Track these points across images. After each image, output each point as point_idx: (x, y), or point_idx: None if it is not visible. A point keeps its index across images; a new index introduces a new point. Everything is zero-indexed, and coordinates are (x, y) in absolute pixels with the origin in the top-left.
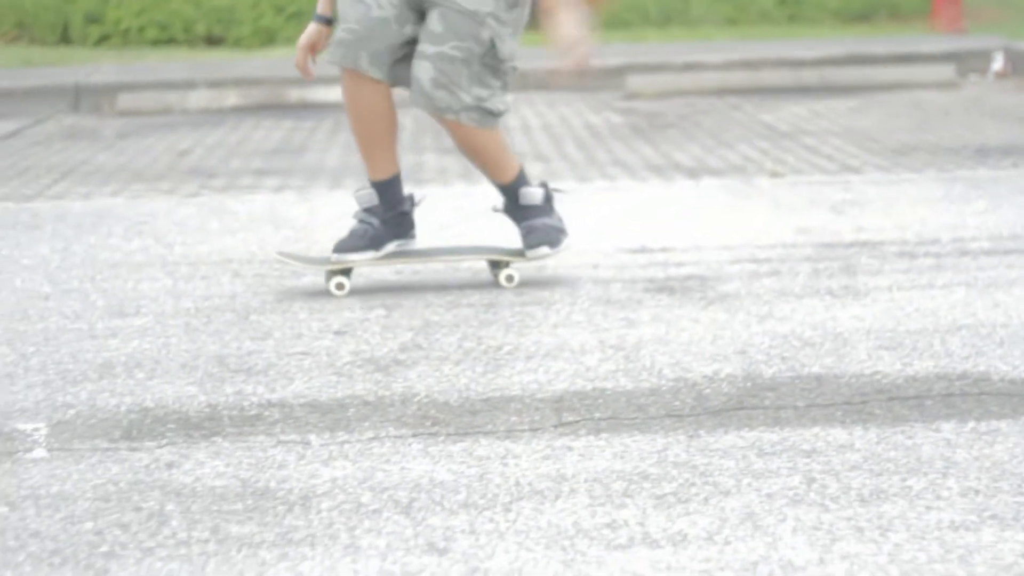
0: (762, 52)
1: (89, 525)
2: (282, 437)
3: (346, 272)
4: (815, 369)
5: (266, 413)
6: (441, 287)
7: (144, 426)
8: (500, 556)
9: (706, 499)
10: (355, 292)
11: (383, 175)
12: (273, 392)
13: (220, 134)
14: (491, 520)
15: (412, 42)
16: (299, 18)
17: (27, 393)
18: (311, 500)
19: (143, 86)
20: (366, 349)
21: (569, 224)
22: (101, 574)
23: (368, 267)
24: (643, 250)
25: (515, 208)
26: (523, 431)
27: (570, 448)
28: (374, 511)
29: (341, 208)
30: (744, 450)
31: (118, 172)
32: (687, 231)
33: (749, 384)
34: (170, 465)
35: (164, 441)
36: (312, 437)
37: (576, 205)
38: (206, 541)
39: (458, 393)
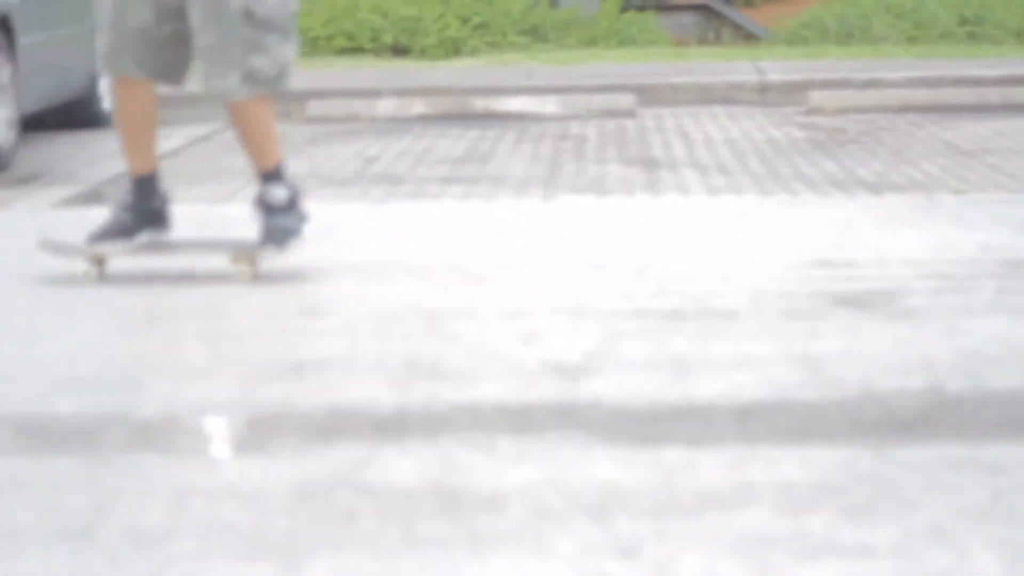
0: (943, 70)
1: (283, 521)
2: (470, 439)
3: (99, 261)
4: (1001, 386)
5: (455, 415)
6: (627, 296)
7: (336, 425)
8: (688, 562)
9: (893, 511)
10: (541, 299)
11: (140, 170)
12: (461, 394)
13: (407, 142)
14: (679, 526)
15: (179, 34)
16: (484, 29)
17: (222, 391)
18: (500, 502)
19: (332, 93)
20: (553, 354)
21: (755, 236)
22: (296, 569)
23: (123, 256)
24: (827, 263)
25: (260, 203)
26: (708, 439)
27: (755, 457)
28: (562, 514)
29: (528, 215)
30: (930, 464)
31: (308, 177)
32: (870, 245)
33: (935, 399)
34: (362, 464)
35: (355, 440)
36: (500, 439)
37: (759, 218)
38: (397, 539)
39: (644, 400)
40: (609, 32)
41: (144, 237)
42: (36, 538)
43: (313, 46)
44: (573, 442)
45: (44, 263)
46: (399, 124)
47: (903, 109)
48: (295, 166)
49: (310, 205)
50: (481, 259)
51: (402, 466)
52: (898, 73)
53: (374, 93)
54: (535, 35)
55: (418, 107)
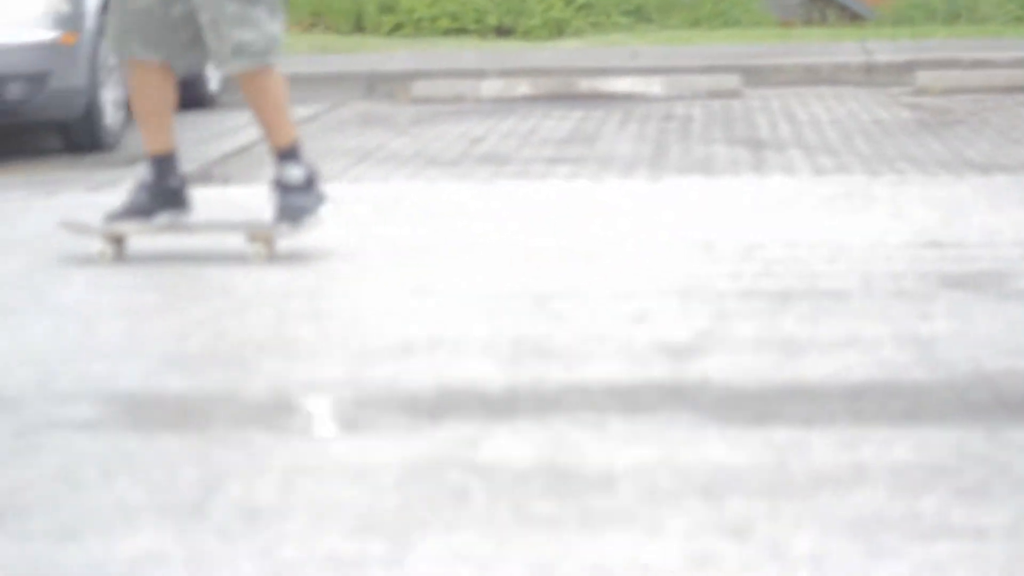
0: None
1: (394, 498)
2: (580, 418)
3: (117, 241)
4: None
5: (564, 394)
6: (735, 276)
7: (445, 404)
8: (802, 542)
9: (1007, 494)
10: (649, 279)
11: (156, 150)
12: (571, 374)
13: (512, 122)
14: (791, 506)
15: (190, 15)
16: (588, 10)
17: (332, 369)
18: (611, 481)
19: (436, 74)
20: (662, 335)
21: (863, 216)
22: (406, 545)
23: (141, 236)
24: (936, 244)
25: (276, 183)
26: (819, 420)
27: (867, 439)
28: (674, 494)
29: (635, 196)
30: None
31: (414, 157)
32: (979, 226)
33: None
34: (472, 443)
35: (465, 419)
36: (610, 419)
37: (866, 198)
38: (509, 518)
39: (754, 381)
40: (713, 13)
41: (164, 218)
42: (148, 515)
43: (417, 27)
44: (683, 422)
45: (156, 243)
46: (504, 105)
47: (1011, 89)
48: (401, 146)
49: (417, 185)
50: (588, 239)
51: (512, 445)
52: (1006, 53)
53: (479, 74)
54: (639, 15)
55: (523, 88)
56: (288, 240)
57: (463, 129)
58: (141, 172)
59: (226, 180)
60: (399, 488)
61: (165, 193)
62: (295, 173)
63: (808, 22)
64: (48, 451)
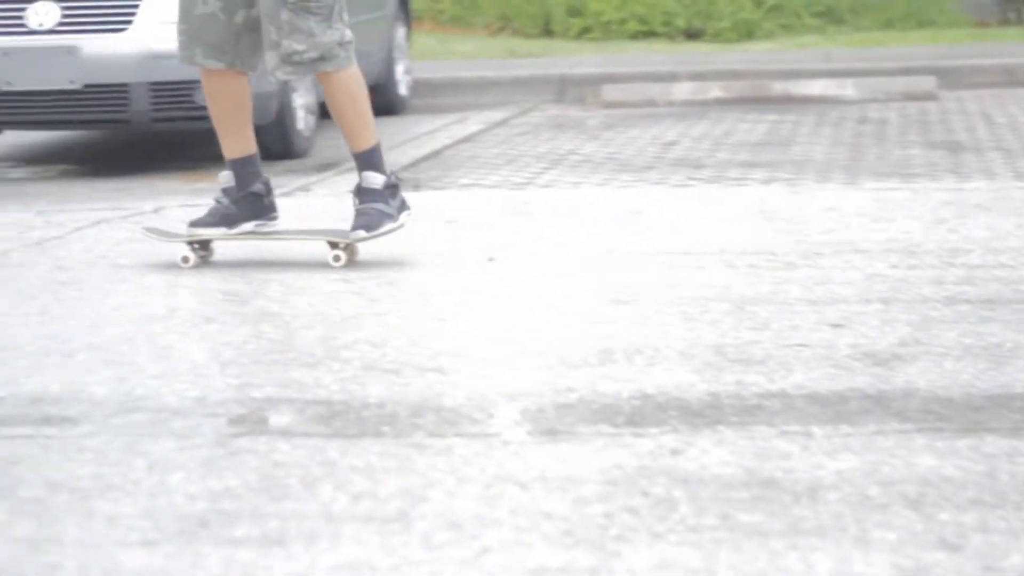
0: None
1: (598, 508)
2: (784, 428)
3: (202, 246)
4: None
5: (767, 403)
6: (938, 282)
7: (646, 412)
8: (1016, 555)
9: None
10: (850, 284)
11: (234, 154)
12: (773, 382)
13: (704, 126)
14: (1003, 518)
15: (253, 21)
16: (778, 12)
17: (530, 377)
18: (818, 491)
19: (626, 78)
20: (864, 342)
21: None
22: (613, 556)
23: (225, 242)
24: None
25: (356, 188)
26: None
27: None
28: (882, 505)
29: (832, 201)
30: None
31: (606, 162)
32: None
33: None
34: (675, 452)
35: (667, 428)
36: (815, 429)
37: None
38: (715, 528)
39: (960, 389)
40: (906, 13)
41: (248, 225)
42: (352, 524)
43: (606, 31)
44: (890, 432)
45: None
46: (696, 108)
47: None
48: (592, 150)
49: (609, 191)
50: (786, 245)
51: (717, 454)
52: None
53: (670, 77)
54: (830, 17)
55: (715, 91)
56: (365, 247)
57: (655, 133)
58: (224, 181)
59: (417, 185)
60: (603, 498)
61: (249, 198)
62: (374, 180)
63: (1004, 22)
64: (250, 459)
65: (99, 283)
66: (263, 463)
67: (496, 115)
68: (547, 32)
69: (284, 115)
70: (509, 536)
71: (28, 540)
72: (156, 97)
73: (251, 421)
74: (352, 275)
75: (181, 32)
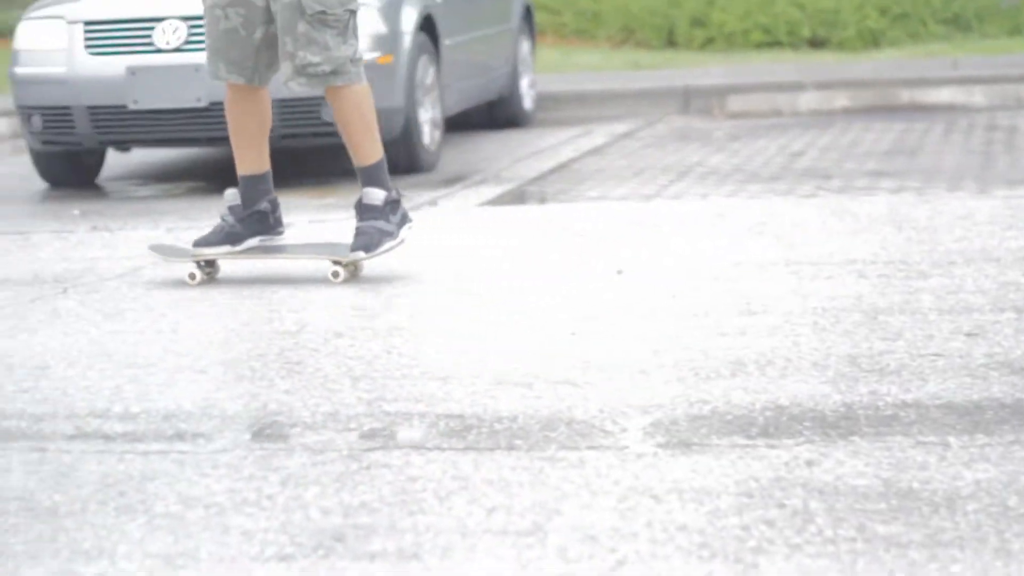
0: None
1: (734, 520)
2: (920, 438)
3: (207, 264)
4: None
5: (902, 413)
6: None
7: (780, 423)
8: None
9: None
10: (983, 293)
11: (247, 170)
12: (908, 392)
13: (831, 136)
14: None
15: (272, 37)
16: (904, 20)
17: (663, 389)
18: (956, 502)
19: (751, 88)
20: (1000, 351)
21: None
22: (751, 568)
23: (230, 260)
24: None
25: (357, 204)
26: None
27: None
28: (1022, 515)
29: (963, 209)
30: None
31: (733, 173)
32: None
33: None
34: (810, 463)
35: (801, 439)
36: (951, 439)
37: None
38: (853, 539)
39: None
40: None
41: (253, 241)
42: (487, 537)
43: (729, 41)
44: None
45: (470, 262)
46: (822, 118)
47: None
48: (719, 161)
49: (737, 202)
50: (918, 254)
51: (852, 465)
52: None
53: (796, 87)
54: (956, 24)
55: (841, 100)
56: (369, 263)
57: (782, 143)
58: (229, 199)
59: (543, 199)
60: (739, 510)
61: (255, 216)
62: (375, 195)
63: None
64: (384, 472)
65: (228, 299)
66: (397, 477)
67: (621, 127)
68: (670, 43)
69: (410, 130)
70: (645, 549)
71: (164, 556)
72: (283, 113)
73: (384, 435)
74: (478, 288)
75: (208, 47)
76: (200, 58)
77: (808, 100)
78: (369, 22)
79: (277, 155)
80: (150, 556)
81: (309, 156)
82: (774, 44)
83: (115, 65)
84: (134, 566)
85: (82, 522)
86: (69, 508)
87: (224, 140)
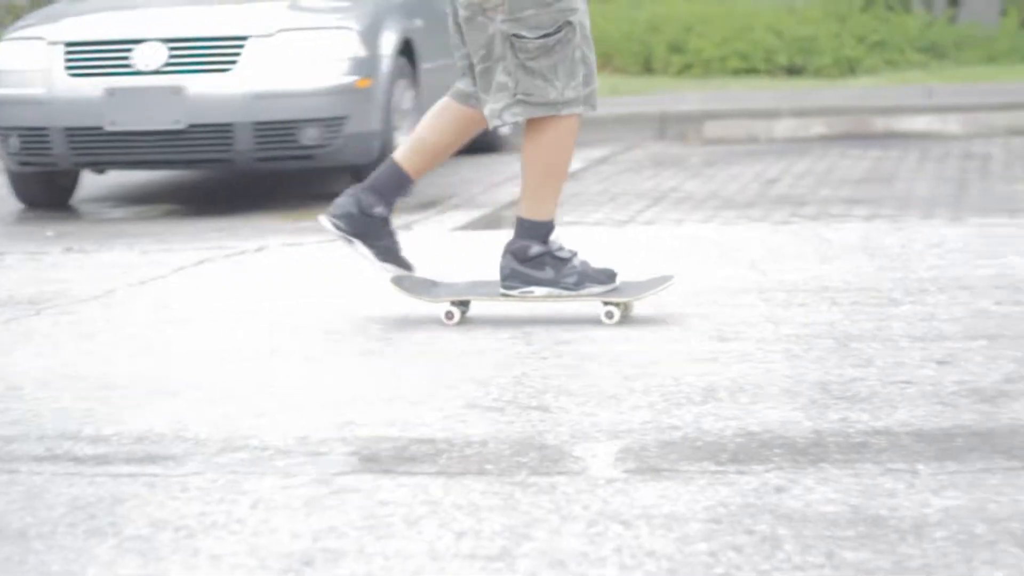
0: None
1: (703, 546)
2: (890, 465)
3: (463, 304)
4: None
5: (872, 440)
6: None
7: (750, 450)
8: None
9: None
10: (955, 321)
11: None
12: (878, 420)
13: (807, 163)
14: None
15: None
16: (881, 48)
17: (633, 415)
18: (924, 529)
19: (728, 114)
20: (971, 379)
21: None
22: None
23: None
24: None
25: (507, 248)
26: None
27: None
28: (989, 543)
29: (936, 237)
30: None
31: (708, 199)
32: None
33: None
34: (779, 489)
35: (771, 465)
36: (920, 466)
37: None
38: (821, 566)
39: None
40: (1011, 49)
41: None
42: (456, 561)
43: (707, 68)
44: (996, 469)
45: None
46: (798, 145)
47: None
48: (693, 187)
49: (711, 228)
50: (890, 281)
51: (821, 492)
52: None
53: (772, 114)
54: (933, 52)
55: (817, 127)
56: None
57: (757, 170)
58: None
59: None
60: (707, 536)
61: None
62: (531, 250)
63: None
64: (353, 496)
65: (202, 322)
66: (366, 501)
67: (597, 152)
68: (648, 69)
69: (387, 154)
70: (613, 574)
71: None
72: (260, 137)
73: (354, 459)
74: (455, 314)
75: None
76: (179, 80)
77: (784, 127)
78: (348, 46)
79: (251, 179)
80: None
81: (284, 179)
82: (751, 71)
83: (94, 86)
84: None
85: (51, 544)
86: (39, 530)
87: (201, 163)
